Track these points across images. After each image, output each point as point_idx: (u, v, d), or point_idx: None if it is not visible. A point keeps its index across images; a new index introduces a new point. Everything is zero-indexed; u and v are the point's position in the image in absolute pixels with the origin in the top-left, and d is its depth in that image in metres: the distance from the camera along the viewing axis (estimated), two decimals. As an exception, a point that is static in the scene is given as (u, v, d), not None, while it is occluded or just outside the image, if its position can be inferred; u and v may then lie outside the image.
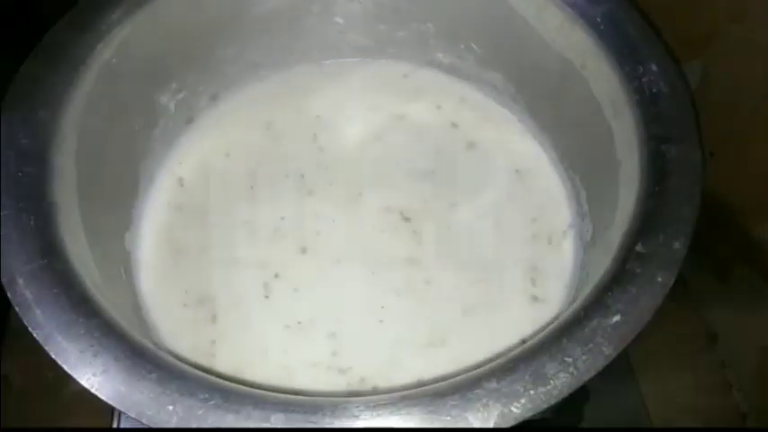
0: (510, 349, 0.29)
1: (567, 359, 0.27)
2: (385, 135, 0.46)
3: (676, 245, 0.30)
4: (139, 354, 0.29)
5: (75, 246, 0.33)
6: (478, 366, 0.28)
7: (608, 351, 0.28)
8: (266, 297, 0.41)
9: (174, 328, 0.40)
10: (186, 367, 0.29)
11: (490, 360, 0.28)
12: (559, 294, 0.40)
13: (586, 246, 0.40)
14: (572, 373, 0.27)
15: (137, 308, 0.40)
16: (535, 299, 0.40)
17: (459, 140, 0.46)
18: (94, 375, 0.28)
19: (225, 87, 0.47)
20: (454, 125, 0.47)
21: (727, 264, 0.47)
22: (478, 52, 0.46)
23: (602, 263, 0.32)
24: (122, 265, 0.41)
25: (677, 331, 0.47)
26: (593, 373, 0.27)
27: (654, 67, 0.35)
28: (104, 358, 0.28)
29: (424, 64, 0.49)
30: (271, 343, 0.39)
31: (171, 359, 0.30)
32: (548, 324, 0.30)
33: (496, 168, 0.45)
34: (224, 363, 0.38)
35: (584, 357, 0.28)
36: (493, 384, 0.27)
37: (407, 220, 0.43)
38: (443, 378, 0.28)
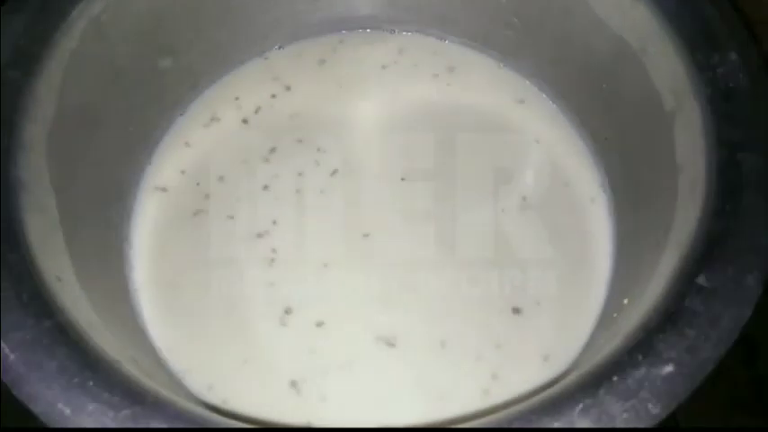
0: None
1: (603, 417, 0.22)
2: (406, 114, 0.42)
3: (749, 280, 0.25)
4: (92, 368, 0.25)
5: (41, 231, 0.29)
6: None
7: (655, 410, 0.22)
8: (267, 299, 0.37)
9: (160, 319, 0.36)
10: (147, 383, 0.25)
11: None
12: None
13: (628, 265, 0.35)
14: (609, 436, 0.22)
15: (125, 299, 0.36)
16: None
17: (491, 125, 0.41)
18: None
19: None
20: (483, 109, 0.42)
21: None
22: (518, 26, 0.40)
23: (651, 291, 0.26)
24: (110, 255, 0.37)
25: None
26: (635, 436, 0.22)
27: (733, 56, 0.29)
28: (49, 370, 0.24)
29: (455, 39, 0.43)
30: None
31: (128, 370, 0.25)
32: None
33: (529, 160, 0.40)
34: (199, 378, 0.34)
35: (625, 416, 0.22)
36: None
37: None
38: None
